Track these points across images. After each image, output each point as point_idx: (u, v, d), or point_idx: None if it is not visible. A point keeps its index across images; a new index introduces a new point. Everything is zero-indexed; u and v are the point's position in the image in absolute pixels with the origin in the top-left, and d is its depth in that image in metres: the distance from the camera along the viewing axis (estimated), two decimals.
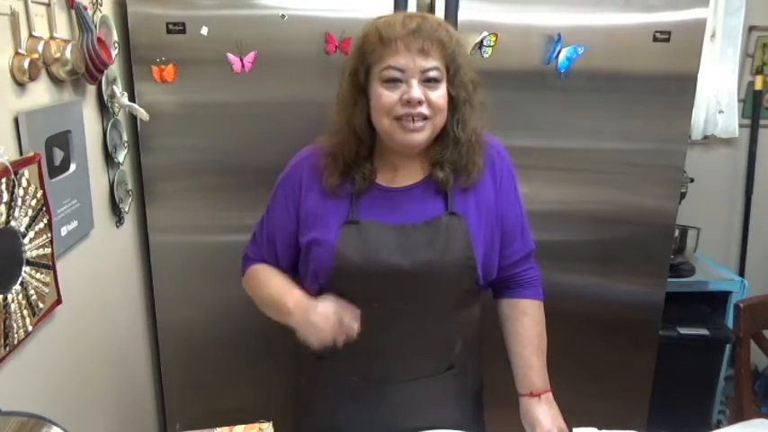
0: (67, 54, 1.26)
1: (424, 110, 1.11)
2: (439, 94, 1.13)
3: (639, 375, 1.96)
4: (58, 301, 1.25)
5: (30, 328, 1.13)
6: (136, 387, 1.83)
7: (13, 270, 1.09)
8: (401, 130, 1.13)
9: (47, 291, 1.20)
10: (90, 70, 1.36)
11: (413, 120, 1.12)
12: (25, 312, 1.12)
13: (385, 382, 1.25)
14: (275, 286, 1.25)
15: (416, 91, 1.10)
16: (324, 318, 1.15)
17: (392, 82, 1.11)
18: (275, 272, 1.28)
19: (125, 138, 1.65)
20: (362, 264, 1.15)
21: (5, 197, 1.03)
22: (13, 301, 1.07)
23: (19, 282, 1.10)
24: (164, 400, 1.92)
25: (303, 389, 1.37)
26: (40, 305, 1.17)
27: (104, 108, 1.55)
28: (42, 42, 1.19)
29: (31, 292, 1.14)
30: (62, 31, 1.29)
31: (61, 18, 1.29)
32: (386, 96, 1.12)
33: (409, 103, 1.10)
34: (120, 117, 1.63)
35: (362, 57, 1.15)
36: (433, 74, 1.11)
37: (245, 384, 1.89)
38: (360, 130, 1.17)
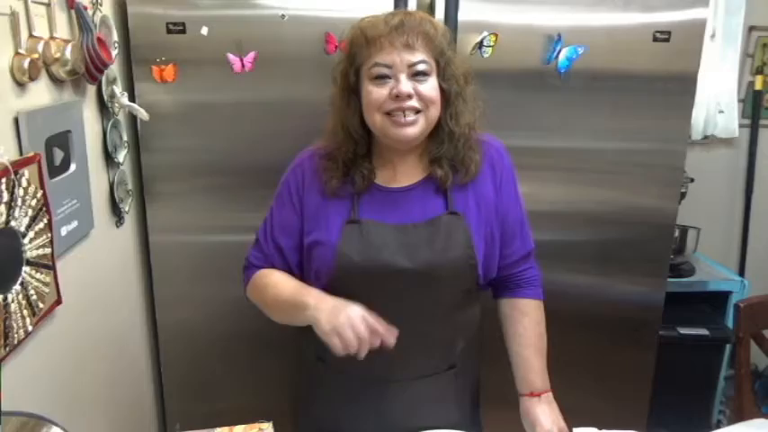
0: (67, 54, 1.26)
1: (414, 103, 1.12)
2: (429, 87, 1.13)
3: (639, 375, 1.96)
4: (58, 302, 1.25)
5: (30, 328, 1.13)
6: (136, 387, 1.83)
7: (13, 270, 1.09)
8: (393, 126, 1.13)
9: (47, 291, 1.20)
10: (90, 70, 1.36)
11: (404, 114, 1.12)
12: (25, 312, 1.12)
13: (386, 381, 1.25)
14: (290, 285, 1.21)
15: (405, 85, 1.11)
16: (352, 320, 1.06)
17: (381, 78, 1.12)
18: (285, 274, 1.25)
19: (125, 138, 1.65)
20: (364, 264, 1.15)
21: (5, 197, 1.03)
22: (13, 301, 1.07)
23: (19, 282, 1.10)
24: (164, 400, 1.92)
25: (303, 389, 1.37)
26: (40, 305, 1.17)
27: (104, 108, 1.55)
28: (42, 42, 1.19)
29: (31, 292, 1.14)
30: (62, 31, 1.29)
31: (61, 18, 1.29)
32: (375, 92, 1.12)
33: (398, 97, 1.11)
34: (120, 117, 1.63)
35: (351, 58, 1.16)
36: (420, 67, 1.12)
37: (245, 384, 1.89)
38: (354, 131, 1.18)
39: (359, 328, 1.05)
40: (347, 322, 1.06)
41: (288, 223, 1.25)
